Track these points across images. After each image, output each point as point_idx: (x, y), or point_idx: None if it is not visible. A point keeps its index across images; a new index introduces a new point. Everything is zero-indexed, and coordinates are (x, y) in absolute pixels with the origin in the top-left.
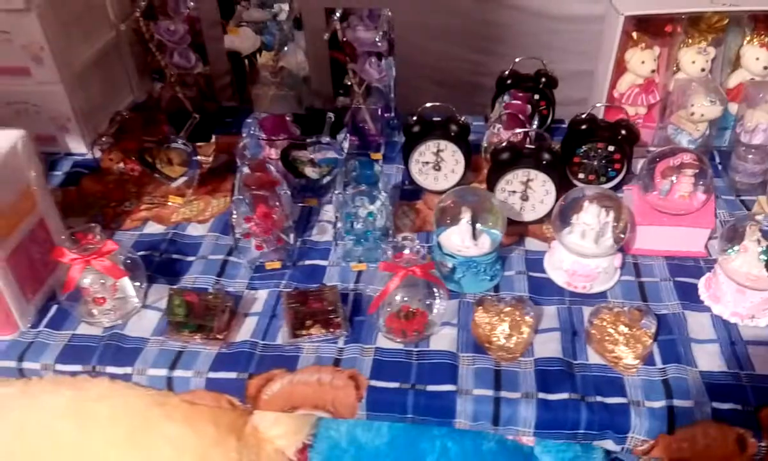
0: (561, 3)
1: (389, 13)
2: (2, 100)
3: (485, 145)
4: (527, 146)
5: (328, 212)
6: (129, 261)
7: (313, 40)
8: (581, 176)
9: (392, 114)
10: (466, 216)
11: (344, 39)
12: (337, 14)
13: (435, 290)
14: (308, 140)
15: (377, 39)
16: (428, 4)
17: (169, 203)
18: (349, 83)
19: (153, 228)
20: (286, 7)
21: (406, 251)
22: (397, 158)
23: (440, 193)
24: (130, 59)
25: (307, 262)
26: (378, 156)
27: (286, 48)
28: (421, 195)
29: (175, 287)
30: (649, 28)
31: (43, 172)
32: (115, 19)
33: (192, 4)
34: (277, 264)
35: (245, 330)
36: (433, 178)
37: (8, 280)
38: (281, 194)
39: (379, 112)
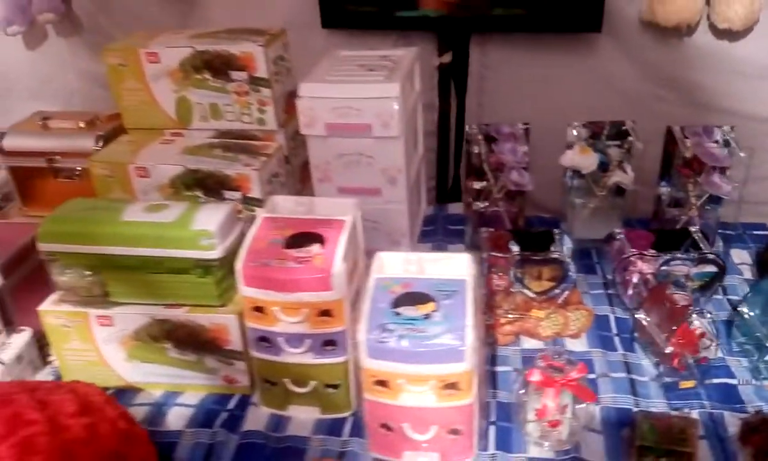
0: None
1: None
2: None
3: None
4: None
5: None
6: None
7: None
8: None
9: None
10: None
11: (687, 156)
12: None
13: None
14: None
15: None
16: None
17: (532, 316)
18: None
19: (530, 343)
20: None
21: None
22: None
23: None
24: None
25: (715, 380)
26: None
27: (625, 167)
28: None
29: (636, 409)
30: None
31: None
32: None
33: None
34: (691, 383)
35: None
36: None
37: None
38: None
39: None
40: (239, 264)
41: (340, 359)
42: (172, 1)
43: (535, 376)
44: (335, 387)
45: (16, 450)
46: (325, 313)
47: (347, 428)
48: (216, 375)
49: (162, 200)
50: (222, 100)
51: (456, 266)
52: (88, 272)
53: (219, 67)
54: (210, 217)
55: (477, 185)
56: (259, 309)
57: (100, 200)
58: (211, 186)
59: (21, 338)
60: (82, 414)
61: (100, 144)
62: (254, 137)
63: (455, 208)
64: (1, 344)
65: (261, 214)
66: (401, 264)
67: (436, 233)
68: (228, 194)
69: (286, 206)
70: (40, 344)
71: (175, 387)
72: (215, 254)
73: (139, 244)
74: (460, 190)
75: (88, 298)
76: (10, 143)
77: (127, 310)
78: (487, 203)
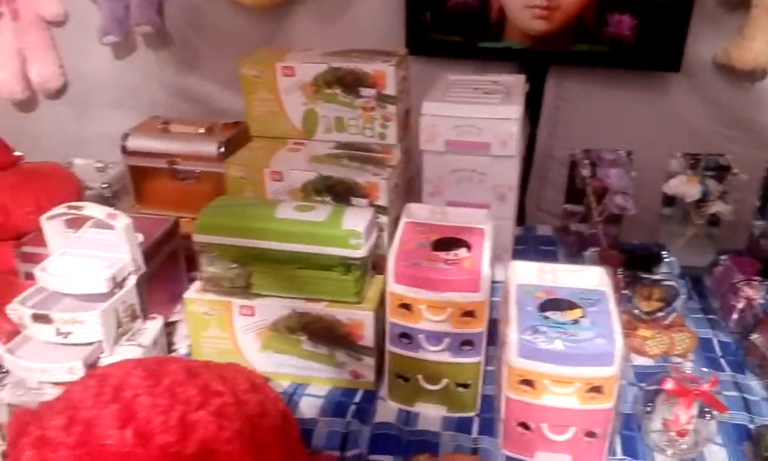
0: None
1: None
2: None
3: None
4: None
5: None
6: None
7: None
8: None
9: None
10: None
11: None
12: None
13: None
14: None
15: None
16: None
17: (638, 335)
18: None
19: (640, 361)
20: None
21: None
22: None
23: None
24: None
25: None
26: None
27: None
28: None
29: (752, 425)
30: None
31: None
32: None
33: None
34: None
35: None
36: None
37: None
38: None
39: None
40: (391, 263)
41: (475, 359)
42: (259, 20)
43: (670, 385)
44: (466, 386)
45: (214, 417)
46: (469, 313)
47: (475, 426)
48: (343, 369)
49: (308, 202)
50: (348, 114)
51: (589, 278)
52: (234, 265)
53: (350, 83)
54: (357, 219)
55: (576, 207)
56: (405, 306)
57: (249, 199)
58: (340, 192)
59: (155, 325)
60: (252, 391)
61: (222, 149)
62: (373, 149)
63: (543, 229)
64: (137, 329)
65: (404, 219)
66: (536, 273)
67: (528, 252)
68: (355, 200)
69: (421, 213)
70: (167, 331)
71: (303, 379)
72: (360, 253)
73: (292, 240)
74: (524, 213)
75: (232, 289)
76: (134, 143)
77: (269, 302)
78: (586, 225)
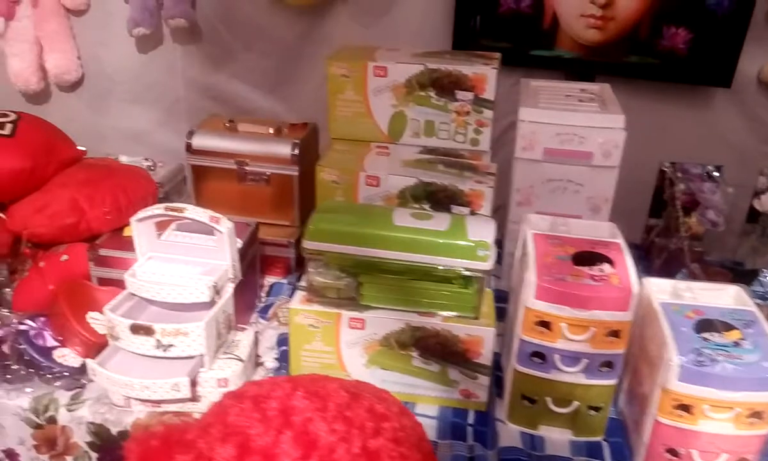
0: None
1: None
2: None
3: None
4: None
5: None
6: None
7: None
8: None
9: None
10: None
11: None
12: None
13: None
14: None
15: None
16: None
17: None
18: None
19: None
20: None
21: None
22: None
23: None
24: None
25: None
26: None
27: None
28: None
29: None
30: None
31: None
32: None
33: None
34: None
35: None
36: None
37: None
38: None
39: None
40: (531, 277)
41: (612, 381)
42: (296, 18)
43: None
44: (597, 409)
45: (394, 444)
46: (613, 333)
47: (606, 451)
48: (454, 388)
49: (422, 209)
50: (440, 118)
51: (728, 296)
52: (343, 274)
53: (446, 85)
54: (481, 229)
55: (659, 221)
56: (543, 324)
57: (357, 205)
58: (441, 200)
59: (247, 336)
60: (403, 413)
61: (296, 151)
62: (462, 155)
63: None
64: (231, 341)
65: (528, 230)
66: (670, 290)
67: None
68: (456, 208)
69: (542, 224)
70: None
71: (409, 397)
72: (487, 265)
73: (412, 249)
74: None
75: (338, 300)
76: (200, 141)
77: (382, 314)
78: (670, 240)
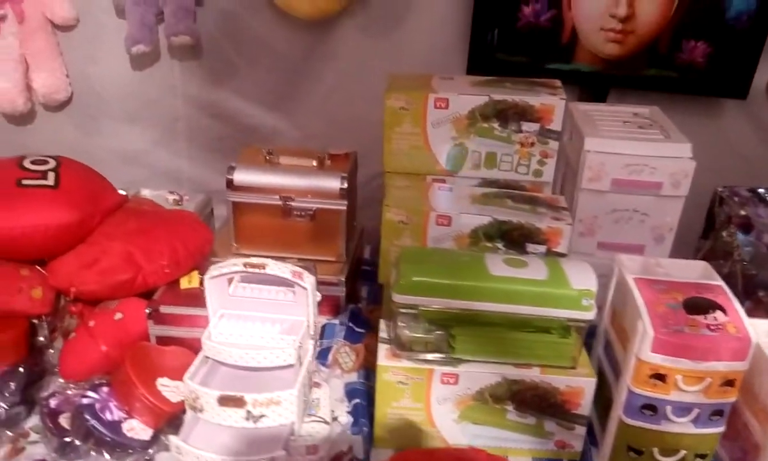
0: None
1: None
2: None
3: None
4: None
5: None
6: None
7: None
8: None
9: None
10: None
11: None
12: None
13: None
14: None
15: None
16: None
17: None
18: None
19: None
20: None
21: None
22: None
23: None
24: None
25: None
26: None
27: None
28: None
29: None
30: None
31: None
32: None
33: None
34: None
35: None
36: None
37: None
38: None
39: None
40: (647, 328)
41: (720, 429)
42: (302, 32)
43: None
44: (703, 457)
45: None
46: (728, 383)
47: None
48: (549, 440)
49: (512, 254)
50: (502, 149)
51: None
52: (433, 327)
53: (511, 116)
54: (582, 276)
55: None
56: (658, 377)
57: (443, 251)
58: (515, 238)
59: (323, 394)
60: None
61: (345, 185)
62: (523, 187)
63: None
64: (311, 400)
65: (627, 275)
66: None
67: None
68: (531, 246)
69: (634, 266)
70: None
71: (501, 451)
72: (591, 315)
73: (513, 301)
74: None
75: (430, 354)
76: (241, 177)
77: (477, 368)
78: (722, 263)
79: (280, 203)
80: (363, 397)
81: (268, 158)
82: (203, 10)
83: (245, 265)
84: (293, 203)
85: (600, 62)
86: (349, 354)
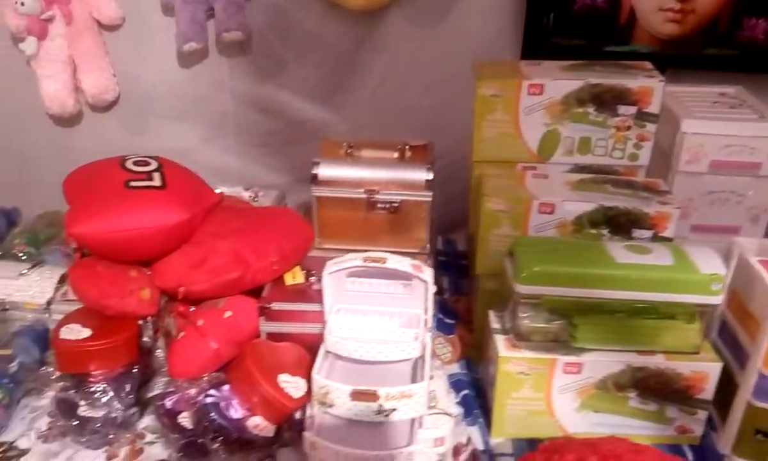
0: None
1: None
2: None
3: None
4: None
5: None
6: None
7: None
8: None
9: None
10: None
11: None
12: None
13: None
14: None
15: None
16: None
17: None
18: None
19: None
20: None
21: None
22: None
23: None
24: None
25: None
26: None
27: None
28: None
29: None
30: None
31: None
32: None
33: None
34: None
35: None
36: None
37: None
38: None
39: None
40: None
41: None
42: (350, 24)
43: None
44: None
45: None
46: None
47: None
48: (670, 425)
49: (633, 241)
50: (597, 134)
51: None
52: (554, 316)
53: (608, 100)
54: (709, 260)
55: None
56: None
57: (556, 239)
58: (621, 224)
59: (438, 386)
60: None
61: (431, 176)
62: (617, 171)
63: None
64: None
65: (753, 258)
66: None
67: None
68: (637, 232)
69: (754, 248)
70: None
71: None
72: (719, 299)
73: (639, 288)
74: None
75: (546, 343)
76: (326, 171)
77: (600, 357)
78: None
79: (364, 196)
80: (470, 388)
81: (348, 151)
82: (251, 5)
83: (365, 259)
84: (378, 196)
85: (658, 43)
86: (445, 345)
